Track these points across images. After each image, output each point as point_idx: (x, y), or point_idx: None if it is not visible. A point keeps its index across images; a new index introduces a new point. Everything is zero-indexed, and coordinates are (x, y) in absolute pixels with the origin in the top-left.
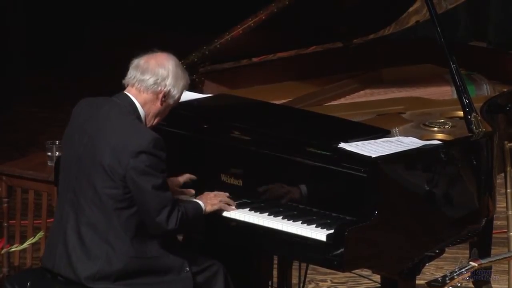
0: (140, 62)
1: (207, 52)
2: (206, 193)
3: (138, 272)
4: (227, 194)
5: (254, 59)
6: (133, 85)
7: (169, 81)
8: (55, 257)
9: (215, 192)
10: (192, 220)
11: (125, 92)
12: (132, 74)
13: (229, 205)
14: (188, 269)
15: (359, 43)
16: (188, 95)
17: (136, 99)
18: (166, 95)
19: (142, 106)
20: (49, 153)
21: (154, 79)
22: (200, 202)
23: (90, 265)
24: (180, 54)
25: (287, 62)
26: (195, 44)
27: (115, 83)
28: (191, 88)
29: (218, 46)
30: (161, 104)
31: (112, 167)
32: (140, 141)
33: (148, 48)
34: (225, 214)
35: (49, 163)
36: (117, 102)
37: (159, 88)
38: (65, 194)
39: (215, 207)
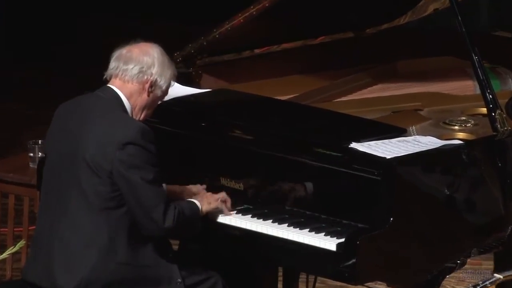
0: (122, 52)
1: (205, 43)
2: (202, 192)
3: (126, 281)
4: (224, 193)
5: (257, 51)
6: (116, 76)
7: (155, 69)
8: (37, 268)
9: (211, 193)
10: (189, 220)
11: (108, 85)
12: (115, 65)
13: (227, 205)
14: (180, 280)
15: (372, 33)
16: (183, 90)
17: (121, 91)
18: (153, 84)
19: (128, 99)
20: (31, 154)
21: (138, 67)
22: (196, 201)
23: (75, 273)
24: (175, 45)
25: (293, 53)
26: (191, 35)
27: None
28: (187, 82)
29: (217, 36)
30: (148, 95)
31: (97, 162)
32: (126, 132)
33: (130, 38)
34: (224, 221)
35: (31, 165)
36: (100, 96)
37: (145, 77)
38: (47, 198)
39: (212, 206)
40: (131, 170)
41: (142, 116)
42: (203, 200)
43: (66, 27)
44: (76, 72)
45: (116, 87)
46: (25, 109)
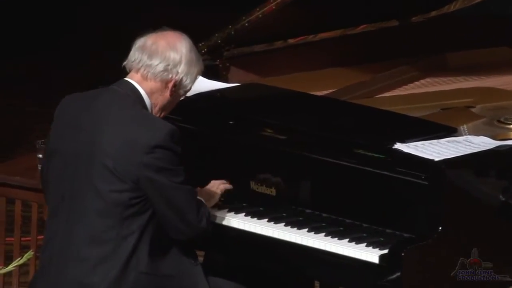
0: (147, 42)
1: (233, 32)
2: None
3: None
4: (223, 181)
5: (291, 41)
6: (138, 70)
7: (181, 68)
8: (47, 281)
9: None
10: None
11: (126, 79)
12: (137, 56)
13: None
14: None
15: (419, 22)
16: (209, 85)
17: (141, 86)
18: (177, 84)
19: (149, 96)
20: (40, 155)
21: (164, 65)
22: (201, 198)
23: (92, 287)
24: (200, 34)
25: (331, 44)
26: (218, 23)
27: (116, 71)
28: (214, 76)
29: (246, 24)
30: (171, 95)
31: (122, 165)
32: (154, 133)
33: (155, 25)
34: (255, 230)
35: (40, 167)
36: (118, 90)
37: (170, 76)
38: (58, 204)
39: (216, 199)
40: (160, 174)
41: (162, 115)
42: (205, 198)
43: (65, 15)
44: (77, 65)
45: (135, 81)
46: (26, 105)
